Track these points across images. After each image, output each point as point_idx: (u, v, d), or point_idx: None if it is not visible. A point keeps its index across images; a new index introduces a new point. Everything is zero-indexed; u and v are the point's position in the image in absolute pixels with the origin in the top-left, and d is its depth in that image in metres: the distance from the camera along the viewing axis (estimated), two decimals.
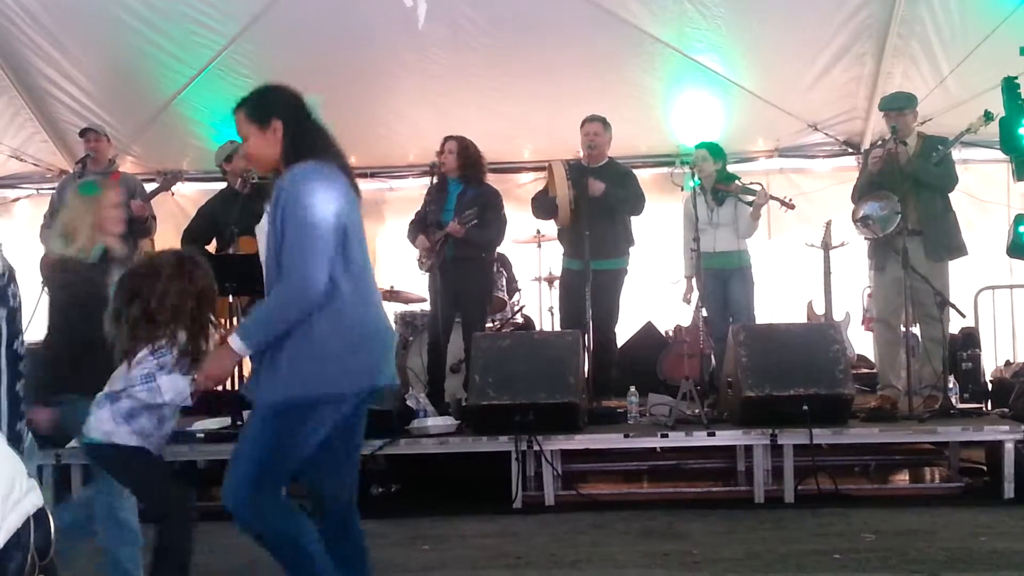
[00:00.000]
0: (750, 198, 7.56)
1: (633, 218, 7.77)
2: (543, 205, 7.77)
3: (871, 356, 8.15)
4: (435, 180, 7.70)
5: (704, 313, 7.34)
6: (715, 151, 7.75)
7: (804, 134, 9.42)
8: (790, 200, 7.81)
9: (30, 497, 1.63)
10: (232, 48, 8.43)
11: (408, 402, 6.83)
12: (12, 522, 1.53)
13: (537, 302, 9.10)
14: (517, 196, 9.30)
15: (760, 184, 7.84)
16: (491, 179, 9.14)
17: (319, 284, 3.29)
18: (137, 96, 9.03)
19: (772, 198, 7.63)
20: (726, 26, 8.30)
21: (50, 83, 8.92)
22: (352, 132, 9.39)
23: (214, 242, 7.61)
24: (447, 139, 7.53)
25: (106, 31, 8.38)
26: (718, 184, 7.65)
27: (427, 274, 7.65)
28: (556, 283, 8.44)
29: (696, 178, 7.56)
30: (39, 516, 1.73)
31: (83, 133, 8.11)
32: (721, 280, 7.61)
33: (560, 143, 8.52)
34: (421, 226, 7.61)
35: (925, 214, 6.87)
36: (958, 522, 5.60)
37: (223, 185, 7.99)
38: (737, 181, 7.74)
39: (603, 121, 7.64)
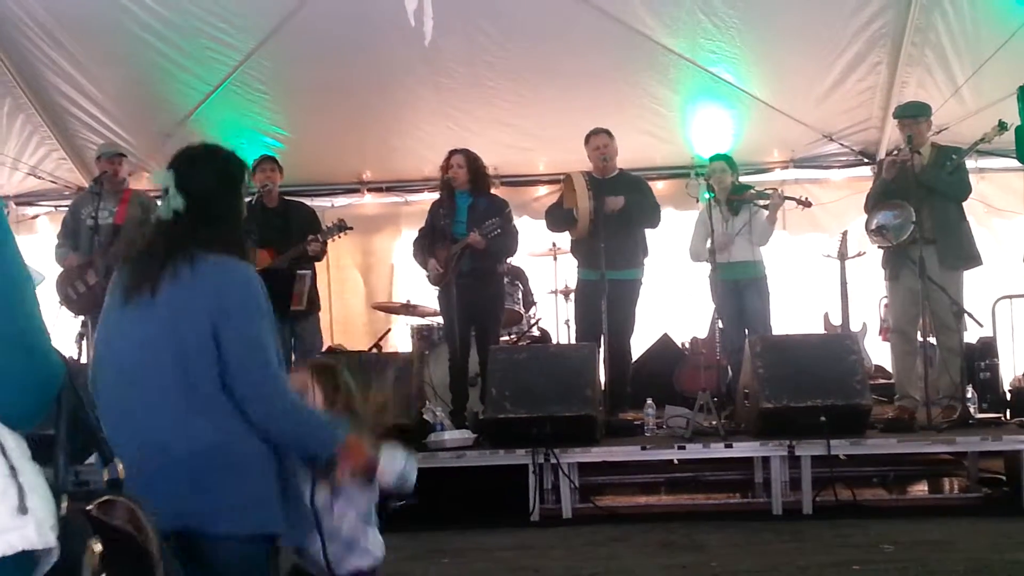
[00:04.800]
0: (765, 201, 7.57)
1: (649, 230, 7.74)
2: (558, 217, 7.72)
3: (888, 366, 8.12)
4: (441, 193, 7.70)
5: (720, 324, 7.33)
6: (731, 163, 7.78)
7: (819, 144, 9.39)
8: (805, 198, 7.83)
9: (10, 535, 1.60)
10: (248, 64, 8.45)
11: (425, 416, 6.83)
12: None
13: (553, 315, 9.11)
14: (532, 209, 9.32)
15: (774, 189, 7.86)
16: (506, 191, 9.18)
17: None
18: (153, 112, 9.05)
19: (787, 198, 7.67)
20: (740, 37, 8.29)
21: (67, 100, 8.96)
22: (367, 146, 9.56)
23: None
24: (452, 153, 7.50)
25: (123, 48, 8.41)
26: (733, 195, 7.66)
27: (437, 288, 7.58)
28: (572, 295, 8.40)
29: (711, 190, 7.55)
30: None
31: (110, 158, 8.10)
32: (736, 291, 7.59)
33: (575, 155, 8.50)
34: (430, 240, 7.55)
35: (939, 223, 6.84)
36: (977, 533, 5.58)
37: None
38: (751, 190, 7.78)
39: (609, 133, 7.63)
